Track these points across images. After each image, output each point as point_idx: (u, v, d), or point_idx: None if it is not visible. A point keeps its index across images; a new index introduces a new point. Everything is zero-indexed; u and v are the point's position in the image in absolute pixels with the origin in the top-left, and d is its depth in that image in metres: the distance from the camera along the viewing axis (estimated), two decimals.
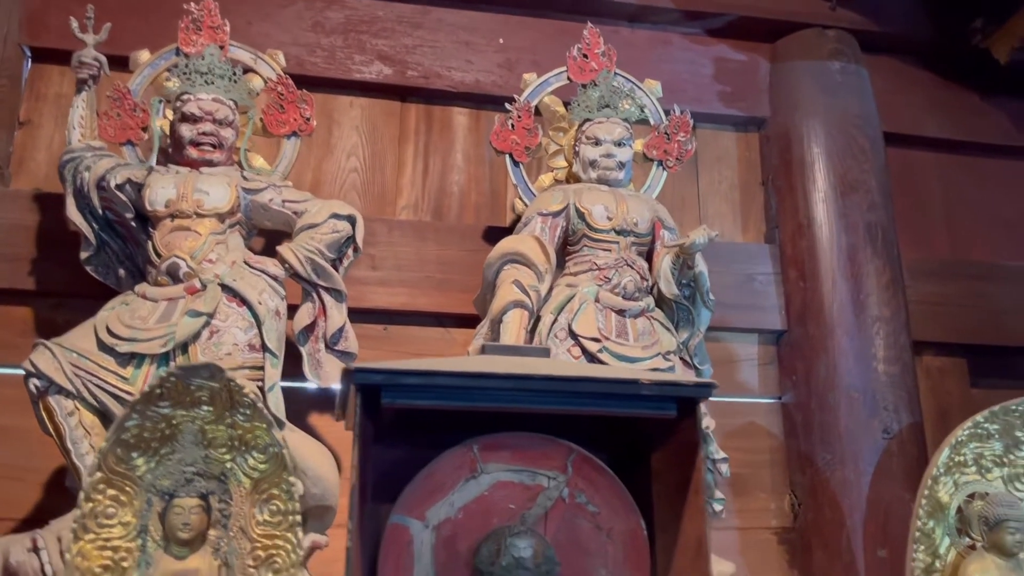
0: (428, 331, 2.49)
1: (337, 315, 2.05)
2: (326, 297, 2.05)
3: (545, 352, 1.40)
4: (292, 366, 2.05)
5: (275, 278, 2.00)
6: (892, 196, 2.74)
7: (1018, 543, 1.57)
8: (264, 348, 1.92)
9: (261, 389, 1.90)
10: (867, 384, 2.50)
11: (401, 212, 2.59)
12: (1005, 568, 1.56)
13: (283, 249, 2.02)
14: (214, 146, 2.05)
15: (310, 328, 2.04)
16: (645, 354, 2.05)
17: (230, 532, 1.38)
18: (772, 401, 2.67)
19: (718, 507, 2.17)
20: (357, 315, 2.31)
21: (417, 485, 1.36)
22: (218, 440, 1.41)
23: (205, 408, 1.40)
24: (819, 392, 2.55)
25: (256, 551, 1.39)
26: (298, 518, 1.40)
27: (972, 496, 1.65)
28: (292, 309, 2.08)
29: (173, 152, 2.09)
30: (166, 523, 1.37)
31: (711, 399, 2.53)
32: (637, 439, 1.47)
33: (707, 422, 2.07)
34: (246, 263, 1.98)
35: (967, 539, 1.64)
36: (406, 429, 1.41)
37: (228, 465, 1.41)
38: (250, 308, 1.92)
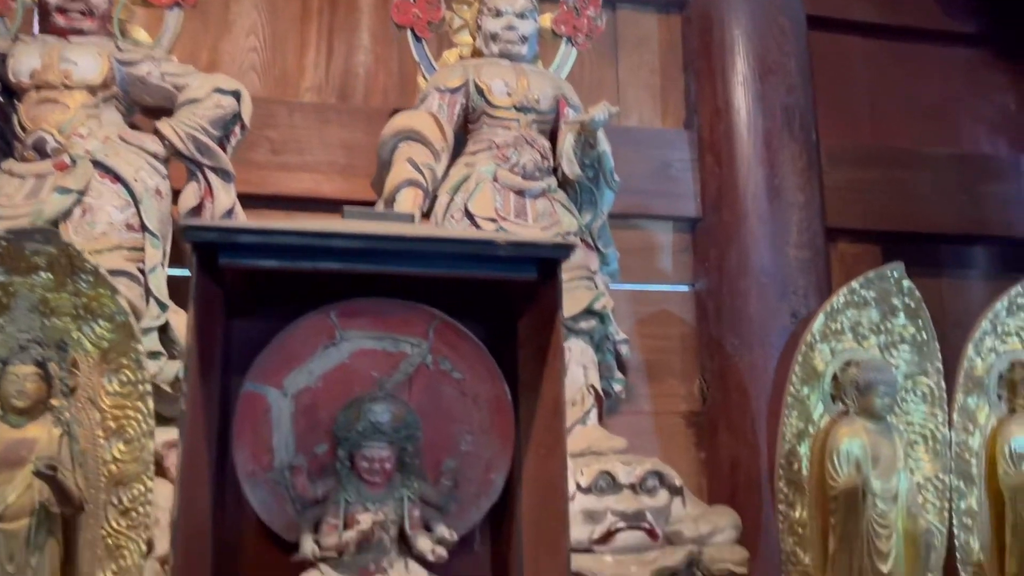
0: (333, 219, 2.41)
1: (224, 196, 1.97)
2: (212, 177, 1.96)
3: (409, 218, 1.35)
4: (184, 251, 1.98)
5: (154, 155, 1.90)
6: (815, 81, 2.68)
7: (887, 406, 1.58)
8: (144, 228, 1.84)
9: (142, 271, 1.83)
10: (778, 269, 2.49)
11: (304, 94, 2.48)
12: (874, 431, 1.58)
13: (162, 125, 1.92)
14: (83, 13, 1.92)
15: (197, 210, 1.96)
16: (543, 235, 2.00)
17: (76, 403, 1.34)
18: (685, 289, 2.66)
19: (618, 387, 2.17)
20: (257, 202, 2.23)
21: (272, 353, 1.32)
22: (61, 308, 1.35)
23: (43, 275, 1.34)
24: (730, 278, 2.54)
25: (106, 422, 1.36)
26: (148, 387, 1.36)
27: (848, 364, 1.65)
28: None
29: (41, 21, 1.96)
30: (1, 391, 1.32)
31: (624, 287, 2.57)
32: (508, 307, 1.44)
33: (604, 302, 2.05)
34: (121, 138, 1.88)
35: (840, 405, 1.65)
36: (266, 304, 1.36)
37: (73, 335, 1.35)
38: (125, 185, 1.83)
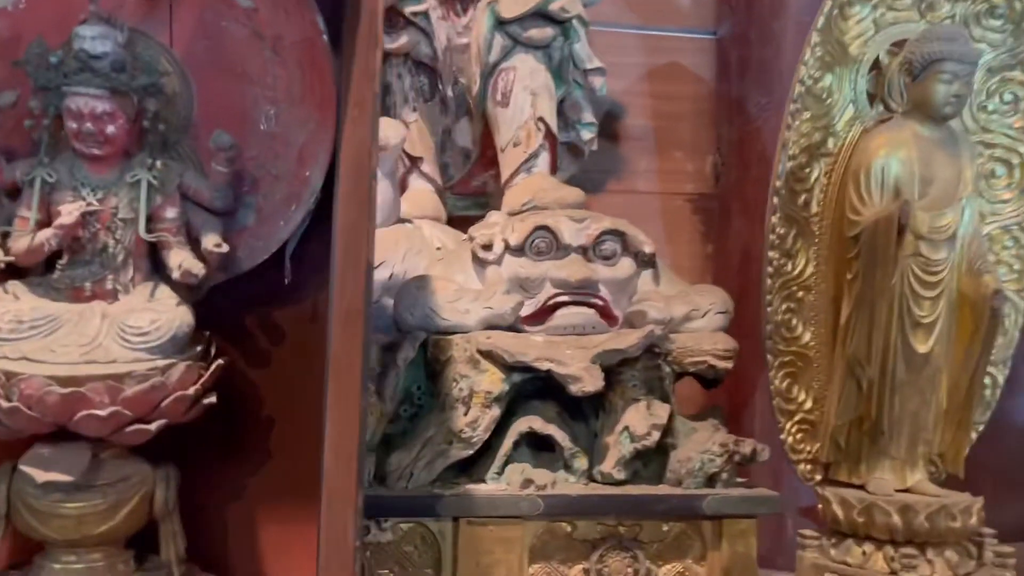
0: None
1: None
2: None
3: None
4: None
5: None
6: None
7: (955, 99, 0.99)
8: None
9: None
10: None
11: None
12: (929, 141, 1.00)
13: None
14: None
15: None
16: None
17: None
18: (705, 37, 2.06)
19: (587, 134, 1.63)
20: None
21: None
22: None
23: None
24: (762, 19, 1.91)
25: None
26: None
27: (898, 45, 1.06)
28: None
29: None
30: None
31: (626, 30, 1.99)
32: None
33: (564, 3, 1.47)
34: None
35: (881, 110, 1.08)
36: None
37: None
38: None
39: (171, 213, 0.84)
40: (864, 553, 0.98)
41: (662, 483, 1.31)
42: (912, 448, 1.00)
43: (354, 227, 0.78)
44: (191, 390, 0.79)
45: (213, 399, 0.83)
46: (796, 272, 1.08)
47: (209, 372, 0.82)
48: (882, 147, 1.00)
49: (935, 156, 0.99)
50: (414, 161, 1.55)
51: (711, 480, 1.29)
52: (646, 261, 1.40)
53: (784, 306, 1.09)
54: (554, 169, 1.52)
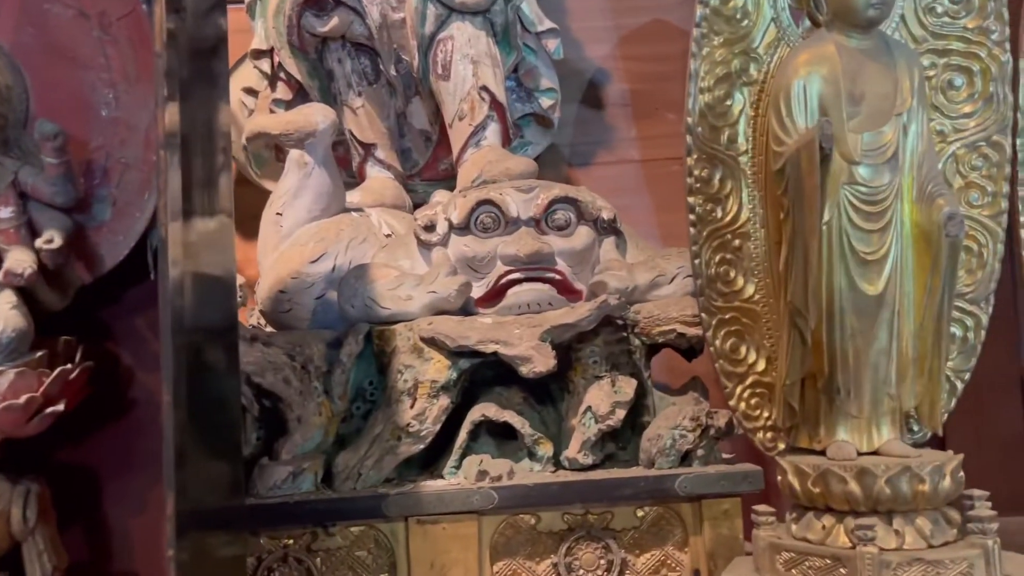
0: None
1: None
2: None
3: None
4: None
5: None
6: None
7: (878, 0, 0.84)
8: None
9: None
10: None
11: None
12: (858, 53, 0.83)
13: None
14: None
15: None
16: None
17: None
18: None
19: (547, 101, 1.53)
20: None
21: None
22: None
23: None
24: None
25: None
26: None
27: None
28: None
29: None
30: None
31: None
32: None
33: None
34: None
35: (808, 27, 0.94)
36: None
37: None
38: None
39: (4, 213, 0.79)
40: (824, 527, 0.85)
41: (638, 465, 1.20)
42: (876, 405, 0.86)
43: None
44: (23, 399, 0.73)
45: (60, 407, 0.77)
46: (728, 218, 0.96)
47: (51, 379, 0.76)
48: (802, 66, 0.86)
49: (864, 69, 0.85)
50: (367, 148, 1.48)
51: (686, 458, 1.17)
52: (606, 228, 1.29)
53: (717, 257, 0.96)
54: (507, 140, 1.43)
